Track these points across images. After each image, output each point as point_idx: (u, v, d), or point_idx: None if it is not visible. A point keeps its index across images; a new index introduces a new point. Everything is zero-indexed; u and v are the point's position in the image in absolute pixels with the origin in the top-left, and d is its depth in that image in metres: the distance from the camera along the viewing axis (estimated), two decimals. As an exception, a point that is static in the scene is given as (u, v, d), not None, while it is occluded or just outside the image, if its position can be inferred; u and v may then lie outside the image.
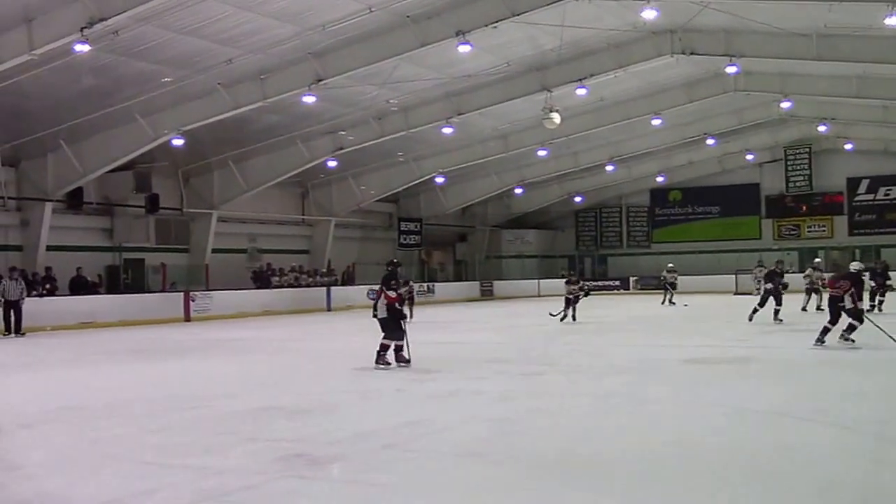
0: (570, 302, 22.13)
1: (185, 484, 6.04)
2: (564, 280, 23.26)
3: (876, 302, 21.95)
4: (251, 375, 11.26)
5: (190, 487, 5.94)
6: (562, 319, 21.88)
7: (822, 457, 6.65)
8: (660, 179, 44.36)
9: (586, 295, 23.04)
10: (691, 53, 24.47)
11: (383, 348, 12.39)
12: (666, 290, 31.08)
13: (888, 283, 22.83)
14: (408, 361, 12.47)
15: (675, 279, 31.63)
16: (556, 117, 25.25)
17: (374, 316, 12.67)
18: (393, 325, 12.40)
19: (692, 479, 6.03)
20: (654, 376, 11.46)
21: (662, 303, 30.29)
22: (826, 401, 9.35)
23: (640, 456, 6.70)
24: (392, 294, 12.46)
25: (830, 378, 11.21)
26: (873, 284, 22.09)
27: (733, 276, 38.27)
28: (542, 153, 35.47)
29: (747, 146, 40.48)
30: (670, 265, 32.22)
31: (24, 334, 20.79)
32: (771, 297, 19.39)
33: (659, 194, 46.41)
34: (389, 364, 12.34)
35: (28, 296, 22.89)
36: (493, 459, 6.68)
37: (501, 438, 7.53)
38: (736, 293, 36.59)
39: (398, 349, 12.45)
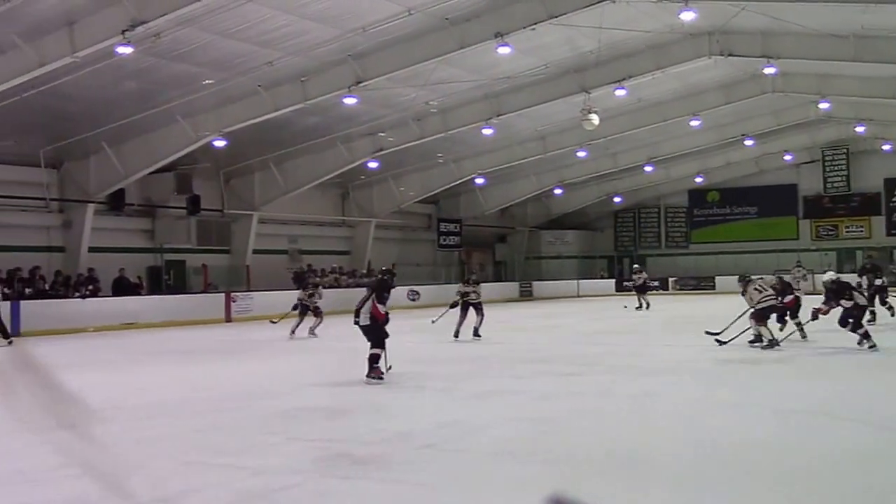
0: (467, 307, 17.74)
1: (226, 483, 6.13)
2: (464, 280, 19.03)
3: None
4: (292, 375, 11.35)
5: (231, 487, 6.02)
6: (455, 335, 17.40)
7: (862, 458, 6.59)
8: (698, 180, 44.02)
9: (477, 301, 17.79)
10: (729, 55, 24.31)
11: (375, 359, 11.02)
12: (637, 293, 28.65)
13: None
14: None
15: (645, 281, 29.57)
16: (595, 118, 25.17)
17: (356, 323, 11.24)
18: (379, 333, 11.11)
19: (733, 479, 6.00)
20: (692, 376, 11.42)
21: (637, 307, 27.73)
22: (866, 401, 9.26)
23: (679, 456, 6.69)
24: (380, 308, 11.10)
25: (870, 378, 11.10)
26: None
27: (772, 276, 37.81)
28: (580, 154, 35.37)
29: (785, 147, 40.10)
30: (636, 266, 31.37)
31: (11, 342, 17.81)
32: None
33: (697, 195, 46.09)
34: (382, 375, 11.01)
35: (70, 297, 23.30)
36: (532, 459, 6.70)
37: (541, 438, 7.54)
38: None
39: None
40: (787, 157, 41.64)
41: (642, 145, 36.42)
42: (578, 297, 40.51)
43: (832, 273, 14.57)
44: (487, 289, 38.57)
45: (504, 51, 20.85)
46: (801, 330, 15.08)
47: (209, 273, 28.67)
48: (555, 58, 24.38)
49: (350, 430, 8.03)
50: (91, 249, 25.50)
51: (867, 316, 16.92)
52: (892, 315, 18.63)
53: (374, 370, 10.97)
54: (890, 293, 19.39)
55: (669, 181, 43.66)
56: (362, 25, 19.92)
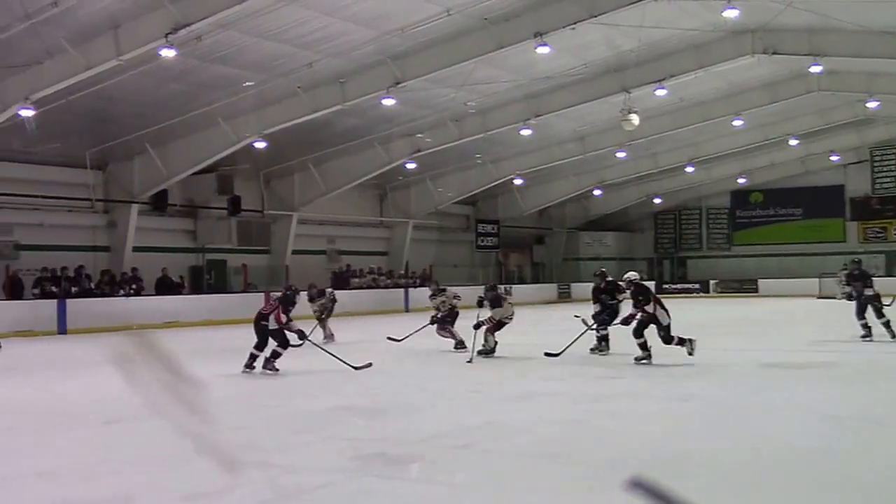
0: (444, 322, 16.02)
1: (264, 481, 6.15)
2: (430, 294, 16.81)
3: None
4: (329, 375, 11.43)
5: (269, 485, 6.06)
6: (457, 347, 15.50)
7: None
8: (741, 181, 43.41)
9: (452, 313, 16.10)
10: (773, 53, 23.92)
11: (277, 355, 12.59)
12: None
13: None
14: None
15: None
16: (635, 119, 24.97)
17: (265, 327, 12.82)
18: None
19: (775, 485, 5.92)
20: (733, 380, 11.28)
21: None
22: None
23: (721, 461, 6.59)
24: (283, 318, 12.59)
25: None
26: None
27: (817, 279, 37.38)
28: (620, 155, 35.11)
29: (832, 147, 39.33)
30: (602, 269, 27.97)
31: None
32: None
33: (740, 196, 45.52)
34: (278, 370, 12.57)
35: (115, 295, 23.65)
36: (568, 461, 6.66)
37: (577, 440, 7.51)
38: (819, 297, 35.74)
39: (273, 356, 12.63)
40: (834, 158, 40.85)
41: (683, 145, 36.06)
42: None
43: (633, 273, 13.64)
44: (525, 290, 38.71)
45: (543, 51, 20.75)
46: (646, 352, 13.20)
47: (249, 273, 28.91)
48: (594, 57, 24.25)
49: (385, 430, 8.05)
50: (135, 249, 25.87)
51: (861, 331, 15.72)
52: (893, 337, 15.50)
53: (271, 363, 12.49)
54: (884, 304, 16.14)
55: (711, 182, 43.15)
56: (401, 27, 19.97)
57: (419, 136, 28.81)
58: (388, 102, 23.37)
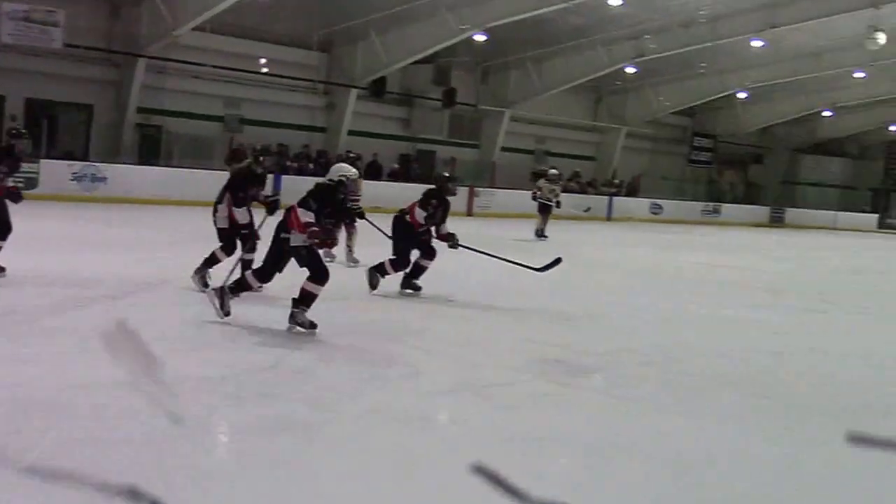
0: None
1: (446, 371, 6.37)
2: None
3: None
4: (522, 277, 11.43)
5: (450, 375, 6.23)
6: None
7: None
8: None
9: None
10: None
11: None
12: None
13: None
14: None
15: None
16: (881, 37, 23.01)
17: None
18: None
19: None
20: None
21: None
22: None
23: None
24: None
25: None
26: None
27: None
28: (858, 75, 32.43)
29: None
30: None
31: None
32: None
33: None
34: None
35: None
36: (752, 392, 6.37)
37: (767, 372, 7.18)
38: None
39: None
40: None
41: (933, 71, 32.79)
42: (836, 229, 37.94)
43: None
44: (736, 211, 37.15)
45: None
46: None
47: (457, 167, 29.29)
48: (843, -33, 22.34)
49: (571, 338, 7.98)
50: (350, 133, 26.74)
51: None
52: None
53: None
54: None
55: (959, 114, 39.10)
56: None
57: (646, 37, 27.65)
58: (615, 2, 22.64)
